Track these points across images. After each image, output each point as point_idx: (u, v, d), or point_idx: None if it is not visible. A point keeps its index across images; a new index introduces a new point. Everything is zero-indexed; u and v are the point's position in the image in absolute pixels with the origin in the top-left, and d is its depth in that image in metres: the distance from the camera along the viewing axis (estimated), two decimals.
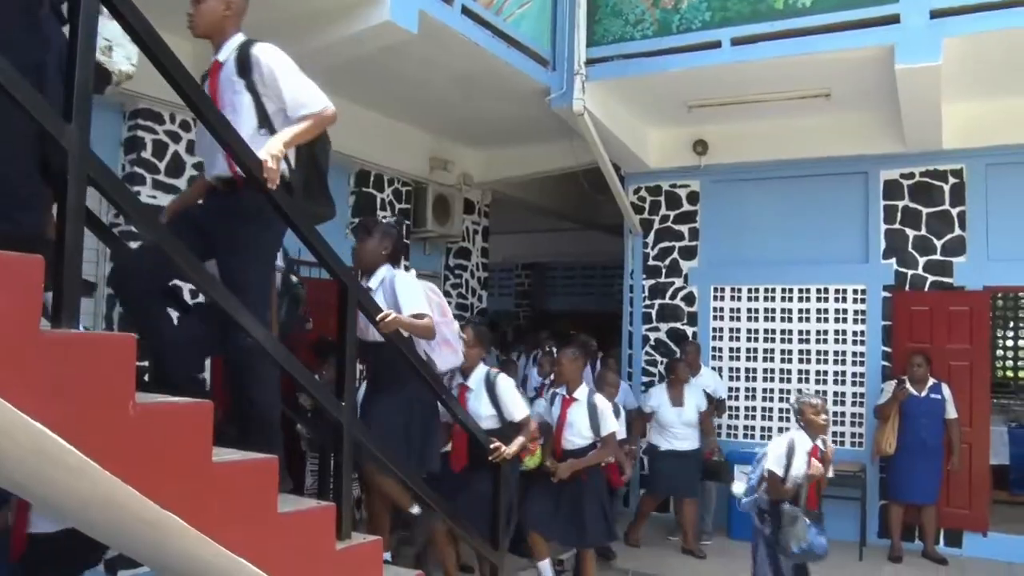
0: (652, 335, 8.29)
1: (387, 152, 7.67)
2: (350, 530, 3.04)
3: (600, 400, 5.45)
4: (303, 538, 2.77)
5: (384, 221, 4.15)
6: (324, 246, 2.99)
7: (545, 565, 5.31)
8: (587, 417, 5.30)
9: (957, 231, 7.10)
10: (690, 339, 7.88)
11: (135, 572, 4.93)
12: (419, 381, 3.84)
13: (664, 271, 8.26)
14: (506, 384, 4.89)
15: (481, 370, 4.94)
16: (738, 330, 7.97)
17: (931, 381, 6.61)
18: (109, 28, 2.70)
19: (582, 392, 5.40)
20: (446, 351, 4.34)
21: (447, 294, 8.86)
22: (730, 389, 7.86)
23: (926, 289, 7.17)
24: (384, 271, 4.20)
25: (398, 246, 4.31)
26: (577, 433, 5.32)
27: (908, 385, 6.60)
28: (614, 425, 5.44)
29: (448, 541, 5.04)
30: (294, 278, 3.72)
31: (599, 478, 5.53)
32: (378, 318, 3.48)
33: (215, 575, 2.74)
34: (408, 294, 4.01)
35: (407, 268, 4.39)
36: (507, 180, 9.11)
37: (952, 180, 7.13)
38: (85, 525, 2.31)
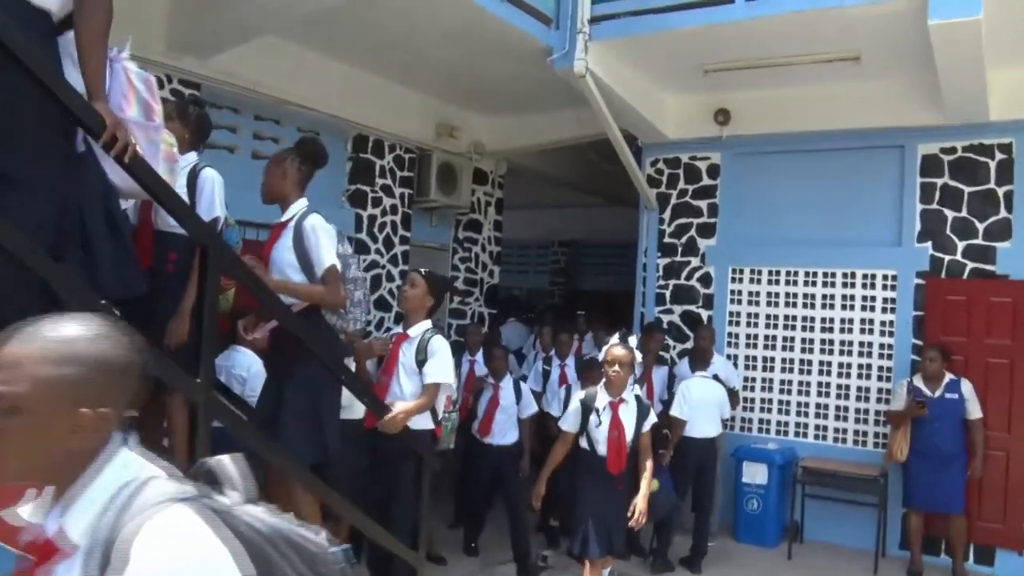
0: (665, 318, 7.73)
1: (388, 116, 7.29)
2: None
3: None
4: None
5: None
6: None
7: None
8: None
9: (1003, 213, 6.33)
10: (705, 323, 7.30)
11: None
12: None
13: (680, 249, 7.68)
14: (440, 345, 4.32)
15: (423, 325, 4.39)
16: (756, 315, 7.35)
17: (947, 378, 5.93)
18: None
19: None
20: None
21: (455, 268, 8.47)
22: (745, 379, 7.27)
23: (964, 277, 6.45)
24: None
25: None
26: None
27: (921, 385, 5.95)
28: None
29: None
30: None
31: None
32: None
33: None
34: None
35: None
36: (522, 150, 8.62)
37: (999, 156, 6.36)
38: None
